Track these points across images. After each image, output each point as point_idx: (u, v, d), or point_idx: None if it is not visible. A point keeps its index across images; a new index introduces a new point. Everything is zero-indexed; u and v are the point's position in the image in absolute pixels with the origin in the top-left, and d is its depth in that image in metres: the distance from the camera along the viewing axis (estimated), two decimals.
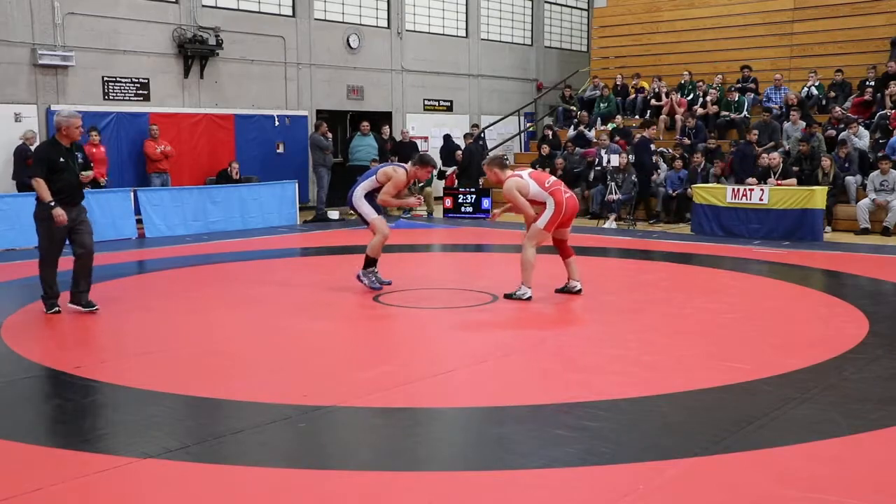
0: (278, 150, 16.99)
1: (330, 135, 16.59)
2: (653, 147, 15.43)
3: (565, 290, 8.22)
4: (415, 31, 19.75)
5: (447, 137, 18.42)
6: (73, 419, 4.79)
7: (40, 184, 7.01)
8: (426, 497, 3.68)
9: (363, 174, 8.81)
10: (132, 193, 13.27)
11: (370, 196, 8.36)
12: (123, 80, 14.86)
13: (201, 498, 3.67)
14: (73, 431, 4.56)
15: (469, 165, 17.37)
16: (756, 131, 14.98)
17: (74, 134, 7.19)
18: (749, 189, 12.93)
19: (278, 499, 3.64)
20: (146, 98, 15.13)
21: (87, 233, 7.35)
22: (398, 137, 18.28)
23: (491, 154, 8.46)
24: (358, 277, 8.34)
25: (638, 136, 15.91)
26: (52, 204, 6.96)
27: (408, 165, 8.46)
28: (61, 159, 7.08)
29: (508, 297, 7.92)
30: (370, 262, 8.30)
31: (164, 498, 3.65)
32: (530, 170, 8.33)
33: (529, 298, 7.85)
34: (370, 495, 3.67)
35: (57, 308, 7.30)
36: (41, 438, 4.36)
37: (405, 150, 17.33)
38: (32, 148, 12.85)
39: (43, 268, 7.34)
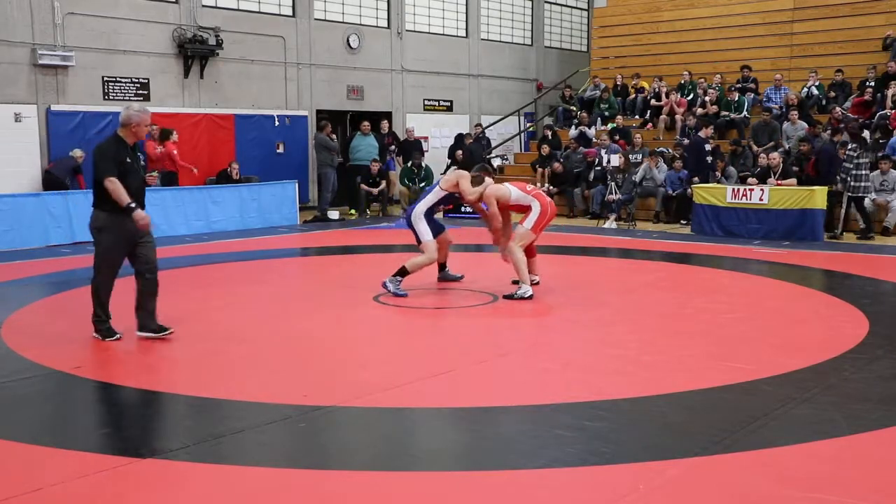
0: (278, 150, 16.99)
1: (334, 136, 16.62)
2: (708, 147, 14.63)
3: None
4: (415, 31, 19.75)
5: (459, 137, 18.42)
6: (73, 419, 4.80)
7: (116, 184, 6.03)
8: (426, 497, 3.68)
9: (423, 192, 8.85)
10: None
11: (430, 213, 8.36)
12: (123, 80, 14.86)
13: (201, 498, 3.67)
14: (73, 431, 4.56)
15: (470, 165, 17.35)
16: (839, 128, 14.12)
17: (142, 132, 6.40)
18: (749, 189, 12.93)
19: (278, 499, 3.64)
20: (146, 98, 15.12)
21: (152, 247, 6.54)
22: (400, 135, 18.30)
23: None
24: (384, 284, 8.11)
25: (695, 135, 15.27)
26: (133, 206, 6.08)
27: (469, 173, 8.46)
28: (127, 159, 6.20)
29: (509, 297, 7.92)
30: (402, 273, 8.11)
31: (164, 498, 3.65)
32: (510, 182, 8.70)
33: (531, 297, 7.86)
34: (370, 495, 3.67)
35: (118, 334, 6.36)
36: (41, 438, 4.36)
37: (410, 148, 17.34)
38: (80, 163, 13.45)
39: (99, 289, 6.34)
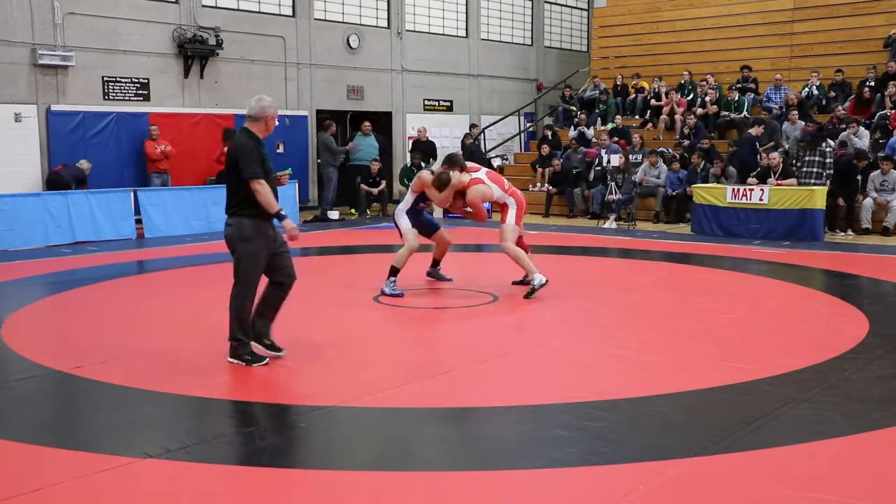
0: (278, 150, 16.98)
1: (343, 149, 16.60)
2: (758, 145, 14.45)
3: (524, 282, 8.42)
4: (415, 31, 19.75)
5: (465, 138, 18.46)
6: (73, 419, 4.80)
7: (266, 187, 5.47)
8: (426, 497, 3.68)
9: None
10: (132, 193, 13.27)
11: (411, 212, 8.32)
12: (123, 80, 14.85)
13: (201, 498, 3.67)
14: (73, 431, 4.56)
15: None
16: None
17: (273, 126, 5.80)
18: (749, 189, 12.93)
19: (278, 499, 3.64)
20: (146, 98, 15.13)
21: (289, 255, 5.88)
22: (403, 135, 18.31)
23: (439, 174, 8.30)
24: (382, 291, 8.05)
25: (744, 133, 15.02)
26: (284, 213, 5.56)
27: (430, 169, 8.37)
28: (263, 159, 5.61)
29: (528, 296, 7.91)
30: (393, 272, 8.10)
31: (164, 498, 3.65)
32: (486, 169, 8.67)
33: (546, 282, 7.90)
34: (370, 495, 3.67)
35: (266, 360, 5.73)
36: (41, 438, 4.36)
37: (422, 148, 17.34)
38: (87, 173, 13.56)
39: (242, 307, 5.67)
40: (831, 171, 13.14)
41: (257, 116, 5.68)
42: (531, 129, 21.71)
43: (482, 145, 19.51)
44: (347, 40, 18.22)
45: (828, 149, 13.12)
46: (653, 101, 18.40)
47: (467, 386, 5.31)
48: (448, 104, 20.65)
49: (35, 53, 13.60)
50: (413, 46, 19.61)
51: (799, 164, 13.31)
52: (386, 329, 7.17)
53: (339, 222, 15.40)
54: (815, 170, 13.12)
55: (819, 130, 13.83)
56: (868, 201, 13.10)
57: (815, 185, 12.84)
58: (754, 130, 14.64)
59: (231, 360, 5.69)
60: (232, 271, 5.68)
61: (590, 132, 17.84)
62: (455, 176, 8.10)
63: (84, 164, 13.59)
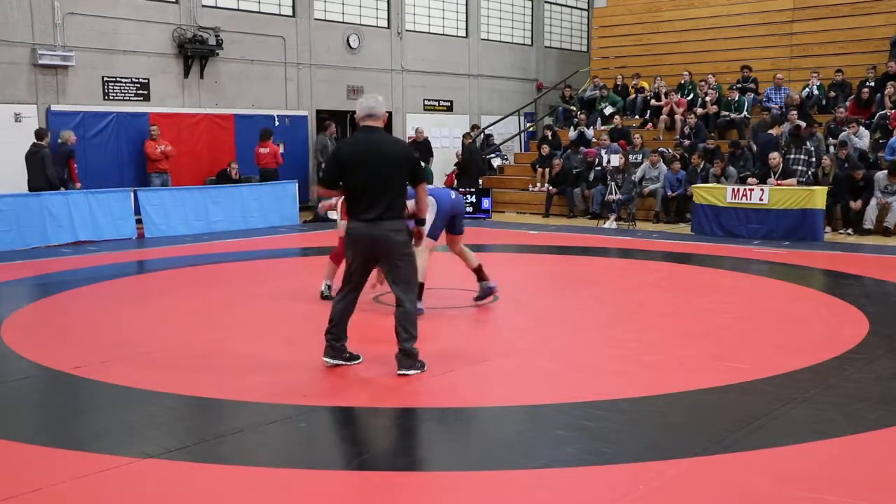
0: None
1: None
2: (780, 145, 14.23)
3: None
4: (415, 31, 19.76)
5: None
6: (73, 419, 4.79)
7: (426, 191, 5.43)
8: (426, 497, 3.68)
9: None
10: (132, 193, 13.27)
11: None
12: (123, 80, 14.86)
13: (201, 498, 3.67)
14: (73, 431, 4.56)
15: (469, 165, 17.40)
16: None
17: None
18: (749, 189, 12.93)
19: (278, 499, 3.64)
20: (146, 98, 15.13)
21: None
22: (404, 135, 18.33)
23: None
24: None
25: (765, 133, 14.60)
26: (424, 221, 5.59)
27: None
28: None
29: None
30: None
31: (164, 498, 3.65)
32: None
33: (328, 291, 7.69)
34: (370, 495, 3.67)
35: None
36: (41, 438, 4.36)
37: (419, 149, 17.34)
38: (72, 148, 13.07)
39: (413, 309, 5.54)
40: (815, 171, 13.18)
41: (378, 114, 5.50)
42: (531, 129, 21.71)
43: (483, 146, 19.54)
44: (347, 40, 18.23)
45: (812, 148, 13.14)
46: (653, 101, 18.39)
47: (467, 386, 5.31)
48: (448, 104, 20.66)
49: (35, 53, 13.60)
50: (413, 46, 19.62)
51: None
52: (385, 329, 7.14)
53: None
54: (800, 168, 13.27)
55: (797, 129, 13.88)
56: (873, 202, 13.08)
57: (800, 183, 12.88)
58: (774, 131, 14.50)
59: (406, 372, 5.40)
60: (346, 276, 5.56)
61: (590, 132, 17.84)
62: None
63: (68, 136, 13.02)
